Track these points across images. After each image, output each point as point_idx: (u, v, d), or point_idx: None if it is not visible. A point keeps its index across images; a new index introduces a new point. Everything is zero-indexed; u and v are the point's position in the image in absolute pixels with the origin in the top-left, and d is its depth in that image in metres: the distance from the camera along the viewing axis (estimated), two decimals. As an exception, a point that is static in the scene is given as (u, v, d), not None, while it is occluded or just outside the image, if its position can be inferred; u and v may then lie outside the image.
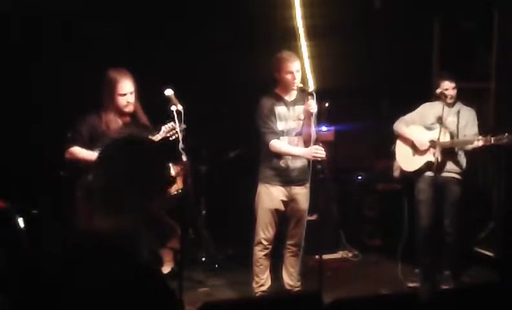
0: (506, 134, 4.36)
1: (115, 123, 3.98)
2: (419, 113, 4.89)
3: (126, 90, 3.96)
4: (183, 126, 3.94)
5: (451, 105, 4.73)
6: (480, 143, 4.48)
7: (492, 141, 4.42)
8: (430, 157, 4.69)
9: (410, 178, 4.87)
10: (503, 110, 5.46)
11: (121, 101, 3.95)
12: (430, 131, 4.76)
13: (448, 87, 4.72)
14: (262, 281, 4.41)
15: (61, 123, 4.21)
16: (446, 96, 4.68)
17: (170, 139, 4.01)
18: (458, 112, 4.72)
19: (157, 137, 3.99)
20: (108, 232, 1.48)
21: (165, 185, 1.61)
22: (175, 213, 4.47)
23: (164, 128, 4.00)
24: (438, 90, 4.72)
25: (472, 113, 4.80)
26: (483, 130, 4.72)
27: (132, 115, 4.05)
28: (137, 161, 1.55)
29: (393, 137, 4.96)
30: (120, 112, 3.99)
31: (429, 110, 4.85)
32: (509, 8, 5.51)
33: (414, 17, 6.04)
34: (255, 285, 4.43)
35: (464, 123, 4.73)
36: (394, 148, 4.95)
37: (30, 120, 4.81)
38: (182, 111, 4.00)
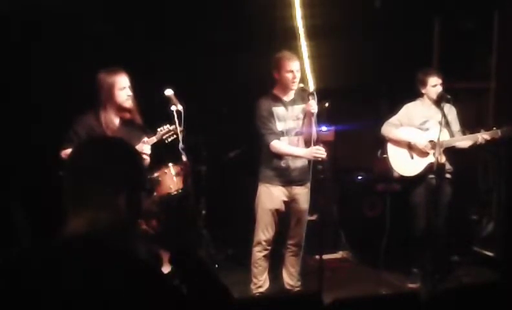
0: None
1: (114, 122, 3.97)
2: (405, 115, 4.78)
3: (125, 83, 3.95)
4: (181, 128, 3.95)
5: (437, 103, 4.68)
6: (486, 137, 4.42)
7: (500, 134, 4.38)
8: (432, 158, 4.62)
9: (407, 181, 4.79)
10: (503, 110, 5.45)
11: (122, 95, 3.92)
12: (424, 132, 4.71)
13: (436, 83, 4.68)
14: (260, 282, 4.41)
15: (61, 123, 4.20)
16: (435, 93, 4.64)
17: (167, 141, 4.00)
18: (443, 109, 4.55)
19: (152, 140, 3.98)
20: (81, 231, 1.48)
21: (137, 182, 1.61)
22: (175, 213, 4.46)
23: (160, 130, 4.00)
24: (427, 87, 4.68)
25: (453, 110, 4.71)
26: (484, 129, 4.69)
27: (130, 112, 4.02)
28: (103, 157, 1.56)
29: (381, 142, 4.85)
30: (120, 108, 3.97)
31: (414, 110, 4.78)
32: (509, 8, 5.51)
33: (414, 17, 6.03)
34: (252, 286, 4.43)
35: (450, 120, 4.67)
36: (384, 153, 4.83)
37: (30, 120, 4.81)
38: (182, 111, 4.00)
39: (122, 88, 3.92)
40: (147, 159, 3.96)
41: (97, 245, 1.46)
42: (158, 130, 4.00)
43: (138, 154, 1.74)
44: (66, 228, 1.51)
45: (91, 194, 1.52)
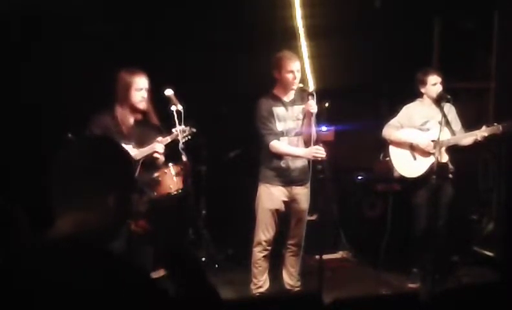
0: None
1: (128, 120, 3.99)
2: (405, 116, 4.76)
3: (142, 85, 3.97)
4: (181, 128, 3.97)
5: (437, 102, 4.66)
6: (488, 133, 4.41)
7: (501, 129, 4.38)
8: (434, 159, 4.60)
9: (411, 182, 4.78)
10: (503, 110, 5.45)
11: (137, 95, 3.95)
12: (425, 132, 4.69)
13: (436, 81, 4.67)
14: (261, 282, 4.41)
15: (61, 123, 4.20)
16: (435, 92, 4.63)
17: (182, 141, 4.02)
18: (443, 109, 4.52)
19: (167, 140, 4.00)
20: (69, 233, 1.47)
21: (126, 183, 1.59)
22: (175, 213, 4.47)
23: (174, 131, 4.01)
24: (427, 86, 4.68)
25: (453, 109, 4.70)
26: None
27: (144, 113, 4.04)
28: (95, 157, 1.54)
29: (382, 143, 4.83)
30: (133, 108, 3.99)
31: (414, 111, 4.76)
32: (509, 8, 5.51)
33: (414, 17, 6.03)
34: (253, 287, 4.42)
35: (450, 119, 4.65)
36: (387, 155, 4.81)
37: (30, 120, 4.81)
38: (182, 111, 4.01)
39: (139, 89, 3.96)
40: (160, 157, 3.99)
41: (84, 247, 1.45)
42: (173, 130, 4.02)
43: (129, 155, 1.73)
44: (53, 229, 1.48)
45: (81, 194, 1.49)
